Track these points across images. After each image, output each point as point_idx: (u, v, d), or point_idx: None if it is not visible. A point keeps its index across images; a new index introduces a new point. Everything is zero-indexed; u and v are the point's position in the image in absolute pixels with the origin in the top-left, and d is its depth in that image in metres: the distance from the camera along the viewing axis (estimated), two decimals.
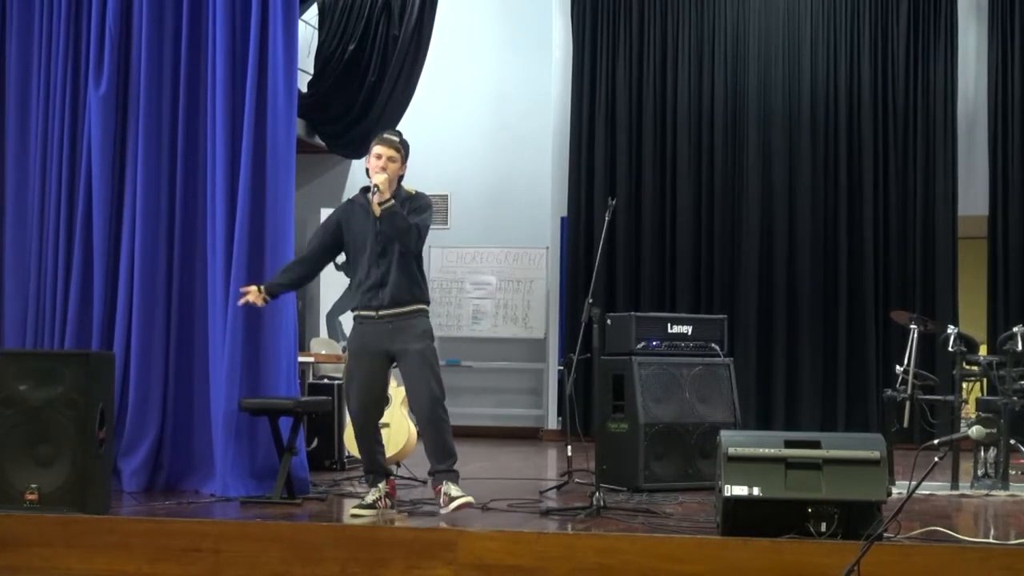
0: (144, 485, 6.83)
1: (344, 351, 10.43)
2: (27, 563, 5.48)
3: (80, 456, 5.80)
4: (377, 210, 6.02)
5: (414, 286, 6.17)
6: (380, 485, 6.17)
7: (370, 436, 6.20)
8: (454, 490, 5.99)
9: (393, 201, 6.03)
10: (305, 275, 6.47)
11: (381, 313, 6.10)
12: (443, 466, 6.08)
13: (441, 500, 6.02)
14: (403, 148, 6.21)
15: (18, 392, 5.84)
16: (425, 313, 6.22)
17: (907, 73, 12.11)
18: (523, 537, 5.31)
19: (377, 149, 6.14)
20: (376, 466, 6.21)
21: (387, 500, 6.17)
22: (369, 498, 6.13)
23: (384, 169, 6.08)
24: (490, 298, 12.73)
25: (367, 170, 6.18)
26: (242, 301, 6.30)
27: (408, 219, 6.05)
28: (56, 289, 7.11)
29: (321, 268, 6.53)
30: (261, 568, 5.34)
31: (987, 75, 12.03)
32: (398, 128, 11.93)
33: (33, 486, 5.77)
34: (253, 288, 6.27)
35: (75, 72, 7.21)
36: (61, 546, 5.50)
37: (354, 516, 5.96)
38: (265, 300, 6.28)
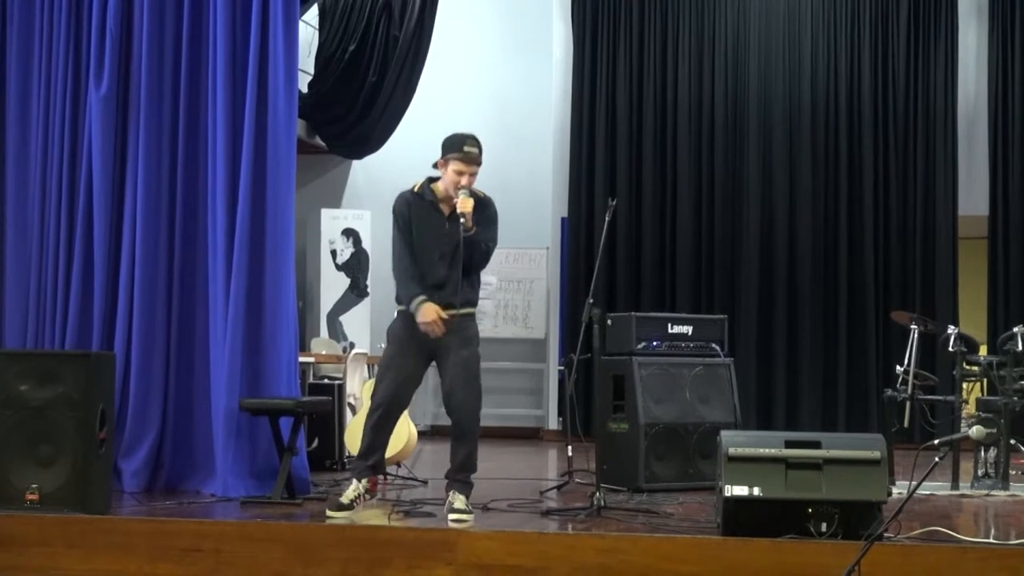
0: (144, 485, 6.83)
1: (345, 351, 10.45)
2: (27, 563, 5.48)
3: (81, 456, 5.80)
4: (447, 208, 5.98)
5: (470, 290, 6.11)
6: (363, 482, 6.07)
7: (385, 430, 6.10)
8: (459, 503, 5.91)
9: (476, 230, 5.94)
10: None
11: None
12: (461, 476, 6.02)
13: (446, 504, 5.99)
14: (480, 158, 6.08)
15: (19, 392, 5.84)
16: (474, 316, 6.16)
17: (907, 73, 12.11)
18: (524, 537, 5.32)
19: (459, 166, 5.96)
20: (371, 460, 6.09)
21: (366, 496, 6.09)
22: (346, 498, 6.02)
23: (468, 187, 5.95)
24: (490, 298, 12.73)
25: (438, 175, 6.04)
26: (435, 332, 5.96)
27: (482, 247, 5.99)
28: (56, 289, 7.11)
29: None
30: (262, 568, 5.34)
31: (987, 75, 12.04)
32: (396, 129, 12.02)
33: (34, 486, 5.77)
34: (432, 319, 5.93)
35: (76, 72, 7.21)
36: (62, 546, 5.50)
37: (329, 517, 5.92)
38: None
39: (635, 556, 5.13)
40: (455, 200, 5.98)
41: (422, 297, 5.95)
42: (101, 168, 7.04)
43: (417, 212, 6.09)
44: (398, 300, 6.13)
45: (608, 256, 12.13)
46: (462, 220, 5.92)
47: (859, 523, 5.13)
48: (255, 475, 6.72)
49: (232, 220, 6.82)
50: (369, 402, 7.75)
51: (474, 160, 6.02)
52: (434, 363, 6.17)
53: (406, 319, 6.07)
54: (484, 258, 6.09)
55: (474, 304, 6.15)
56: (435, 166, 6.10)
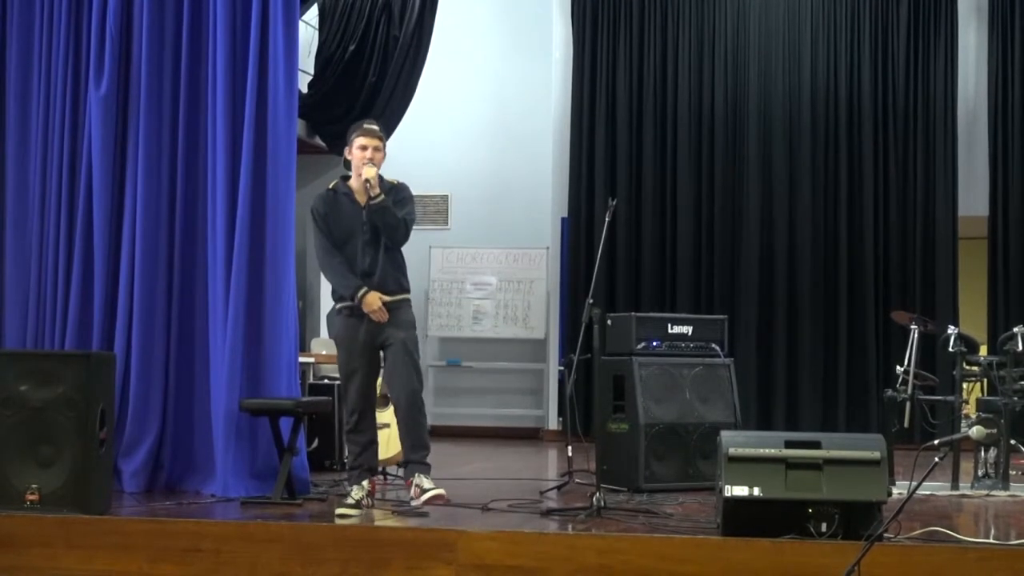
0: (144, 485, 6.83)
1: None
2: (28, 563, 5.48)
3: (80, 456, 5.80)
4: (363, 199, 6.12)
5: (400, 275, 6.28)
6: (365, 483, 6.21)
7: (367, 431, 6.24)
8: (426, 482, 6.03)
9: (384, 196, 6.14)
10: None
11: None
12: (417, 456, 6.13)
13: (412, 492, 6.06)
14: (385, 137, 6.33)
15: (19, 392, 5.84)
16: (410, 303, 6.32)
17: (907, 73, 12.12)
18: (523, 537, 5.31)
19: (362, 141, 6.23)
20: (365, 462, 6.25)
21: (369, 499, 6.23)
22: (354, 497, 6.14)
23: (372, 160, 6.17)
24: (490, 298, 12.73)
25: (345, 161, 6.28)
26: (382, 318, 6.16)
27: (397, 215, 6.16)
28: (56, 289, 7.11)
29: None
30: (262, 568, 5.34)
31: (987, 75, 12.04)
32: (396, 129, 12.05)
33: (34, 486, 5.77)
34: (378, 306, 6.16)
35: (75, 72, 7.21)
36: (62, 546, 5.50)
37: (341, 516, 5.96)
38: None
39: (635, 556, 5.13)
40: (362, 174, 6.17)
41: (365, 288, 6.15)
42: (101, 168, 7.04)
43: (333, 207, 6.29)
44: (338, 297, 6.28)
45: (608, 256, 12.13)
46: (367, 186, 6.11)
47: (859, 523, 5.13)
48: (255, 475, 6.72)
49: (232, 220, 6.82)
50: None
51: (374, 133, 6.26)
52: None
53: (347, 318, 6.25)
54: (398, 228, 6.19)
55: (407, 290, 6.32)
56: (346, 164, 6.30)
